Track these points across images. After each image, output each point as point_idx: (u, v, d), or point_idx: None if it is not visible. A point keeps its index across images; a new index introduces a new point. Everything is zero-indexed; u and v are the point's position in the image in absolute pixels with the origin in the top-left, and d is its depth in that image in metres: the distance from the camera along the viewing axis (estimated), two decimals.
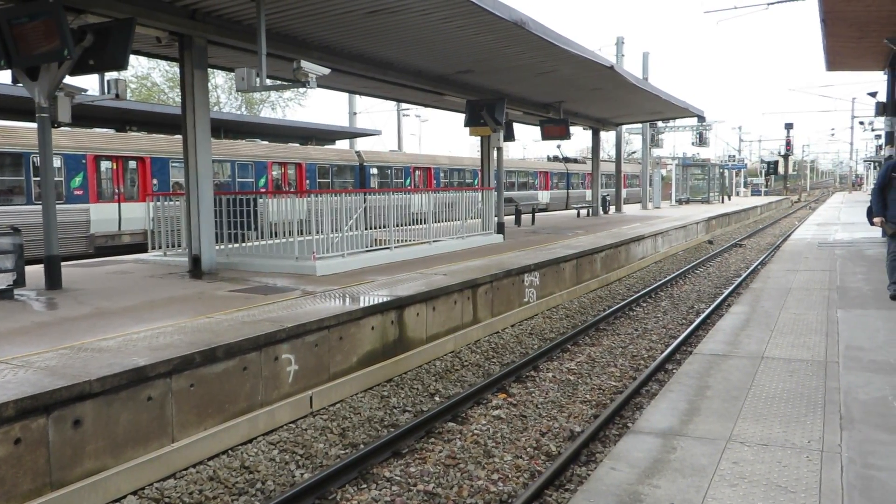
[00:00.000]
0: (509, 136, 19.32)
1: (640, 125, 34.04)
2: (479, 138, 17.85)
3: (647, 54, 31.04)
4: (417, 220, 13.76)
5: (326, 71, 9.96)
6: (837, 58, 16.23)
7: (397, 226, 12.76)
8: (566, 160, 42.42)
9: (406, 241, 13.16)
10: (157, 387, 5.41)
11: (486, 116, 16.05)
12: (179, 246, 12.13)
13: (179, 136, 10.44)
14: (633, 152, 58.38)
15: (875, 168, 28.04)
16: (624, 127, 33.56)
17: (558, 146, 38.35)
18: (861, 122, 49.38)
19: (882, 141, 23.55)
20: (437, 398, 7.57)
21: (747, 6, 19.57)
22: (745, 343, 6.42)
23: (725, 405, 4.65)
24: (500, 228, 16.49)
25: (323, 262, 10.57)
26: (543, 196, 38.42)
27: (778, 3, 20.04)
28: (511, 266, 11.38)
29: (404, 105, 37.25)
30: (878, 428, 4.14)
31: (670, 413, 4.55)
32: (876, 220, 8.01)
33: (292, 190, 22.51)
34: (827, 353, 5.90)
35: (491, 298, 10.54)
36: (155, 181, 18.87)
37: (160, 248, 12.41)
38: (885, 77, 16.99)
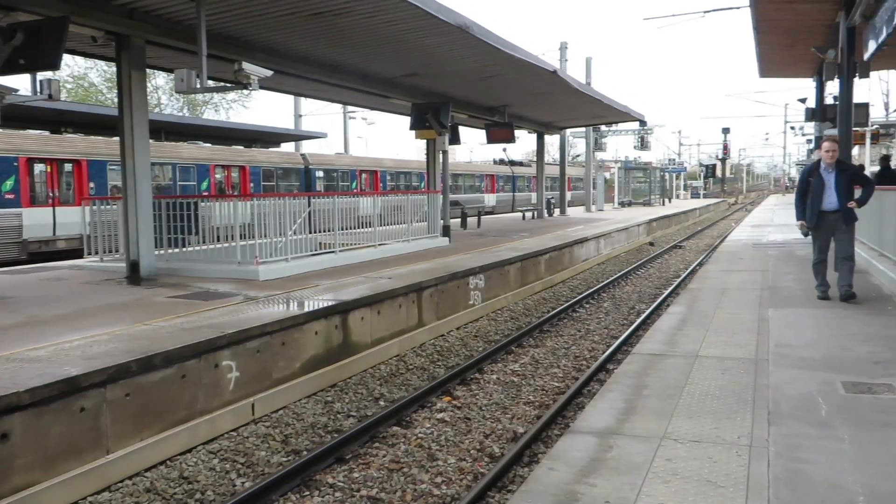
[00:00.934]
0: (455, 140, 19.40)
1: (583, 129, 34.61)
2: (425, 141, 17.89)
3: (589, 59, 31.62)
4: (364, 223, 13.71)
5: (269, 73, 9.85)
6: (770, 65, 16.82)
7: (343, 229, 12.69)
8: (512, 163, 42.83)
9: (352, 244, 13.09)
10: (90, 397, 5.26)
11: (432, 120, 16.10)
12: (117, 251, 11.82)
13: (118, 138, 10.17)
14: (578, 156, 59.34)
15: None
16: (568, 131, 34.05)
17: (504, 149, 38.70)
18: (792, 127, 51.23)
19: (812, 145, 24.48)
20: (381, 402, 7.56)
21: (684, 14, 20.16)
22: (682, 342, 6.60)
23: (661, 403, 4.78)
24: (446, 231, 16.56)
25: (266, 267, 10.44)
26: (489, 199, 38.71)
27: (713, 11, 20.71)
28: (456, 269, 11.44)
29: (351, 108, 37.04)
30: (803, 422, 4.32)
31: (608, 412, 4.66)
32: (797, 223, 8.35)
33: (236, 193, 22.15)
34: (758, 351, 6.11)
35: (436, 301, 10.58)
36: (92, 184, 18.31)
37: (97, 253, 12.06)
38: (814, 84, 17.69)
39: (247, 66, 9.38)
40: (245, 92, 36.12)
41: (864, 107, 15.17)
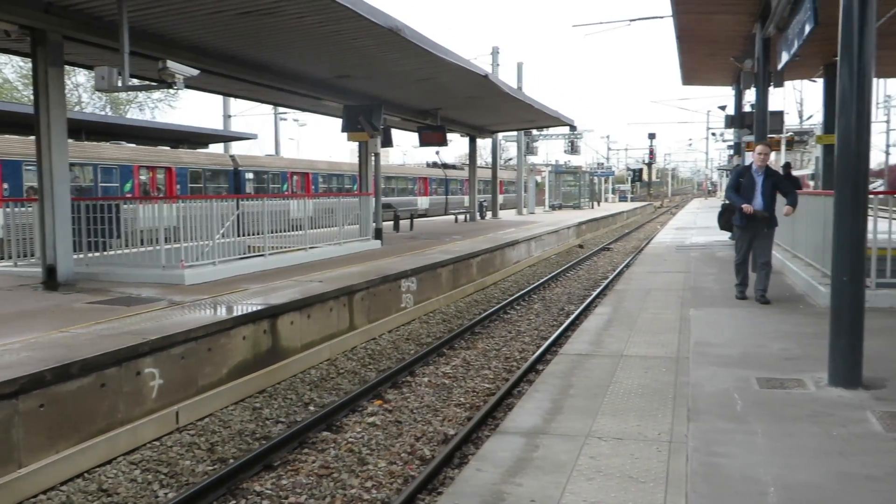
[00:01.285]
0: (387, 142, 19.38)
1: (515, 133, 35.08)
2: (357, 143, 17.78)
3: (521, 64, 32.08)
4: (295, 226, 13.53)
5: (195, 72, 9.62)
6: (692, 73, 17.44)
7: (273, 232, 12.49)
8: (445, 166, 43.02)
9: (282, 248, 12.90)
10: (0, 409, 5.01)
11: (364, 122, 16.02)
12: (33, 256, 11.31)
13: (34, 138, 9.74)
14: (510, 159, 60.07)
15: (727, 175, 30.32)
16: (500, 134, 34.41)
17: (437, 152, 38.87)
18: (713, 133, 53.09)
19: (732, 151, 25.46)
20: (311, 407, 7.47)
21: (611, 22, 20.66)
22: (608, 342, 6.77)
23: (587, 403, 4.89)
24: (378, 234, 16.50)
25: (192, 271, 10.18)
26: (422, 202, 38.77)
27: (639, 20, 21.30)
28: (388, 272, 11.42)
29: (282, 109, 36.49)
30: (720, 417, 4.49)
31: (536, 412, 4.73)
32: (745, 206, 8.12)
33: (161, 195, 21.50)
34: (679, 350, 6.32)
35: (368, 305, 10.52)
36: (6, 186, 17.46)
37: (10, 258, 11.51)
38: (734, 92, 18.42)
39: (171, 64, 9.14)
40: (171, 91, 35.13)
41: (779, 115, 15.90)
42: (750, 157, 11.94)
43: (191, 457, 6.00)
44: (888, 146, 48.55)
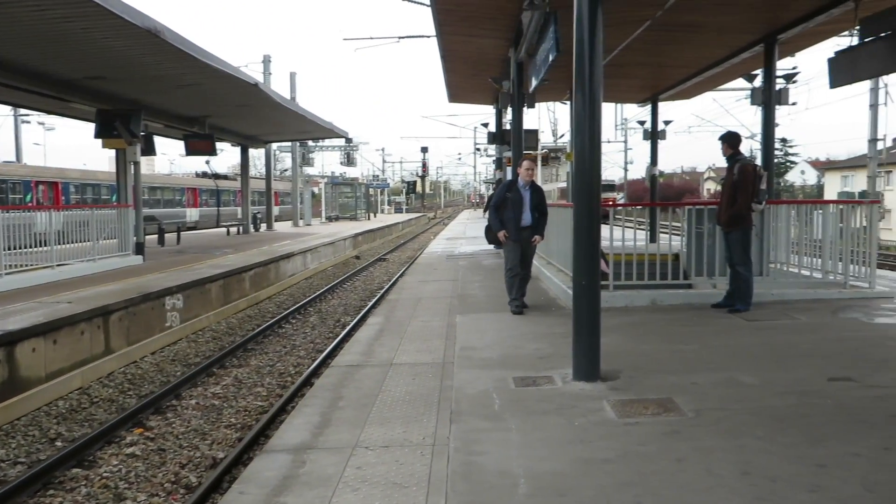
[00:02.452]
0: (149, 150, 18.14)
1: (290, 143, 34.57)
2: (115, 151, 16.40)
3: (294, 74, 31.71)
4: (41, 241, 12.14)
5: None
6: (457, 91, 18.39)
7: (10, 249, 11.10)
8: (216, 176, 41.14)
9: (23, 265, 11.50)
10: None
11: (121, 128, 14.84)
12: None
13: None
14: (285, 170, 59.02)
15: (493, 188, 32.50)
16: (274, 145, 33.73)
17: (207, 162, 36.99)
18: (479, 149, 56.28)
19: (495, 166, 27.25)
20: (59, 443, 6.75)
21: (381, 38, 21.21)
22: (379, 352, 6.90)
23: (356, 413, 4.94)
24: (140, 249, 15.34)
25: None
26: (192, 214, 36.73)
27: (407, 37, 22.12)
28: (150, 289, 10.67)
29: (24, 110, 32.59)
30: (480, 417, 4.77)
31: (304, 428, 4.69)
32: (500, 233, 8.49)
33: None
34: (445, 355, 6.62)
35: (127, 326, 9.75)
36: None
37: None
38: (494, 111, 19.75)
39: None
40: None
41: (534, 133, 17.29)
42: (512, 172, 12.87)
43: None
44: (626, 163, 54.96)
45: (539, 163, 27.81)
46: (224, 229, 28.54)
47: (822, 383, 5.30)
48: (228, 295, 13.61)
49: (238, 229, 27.34)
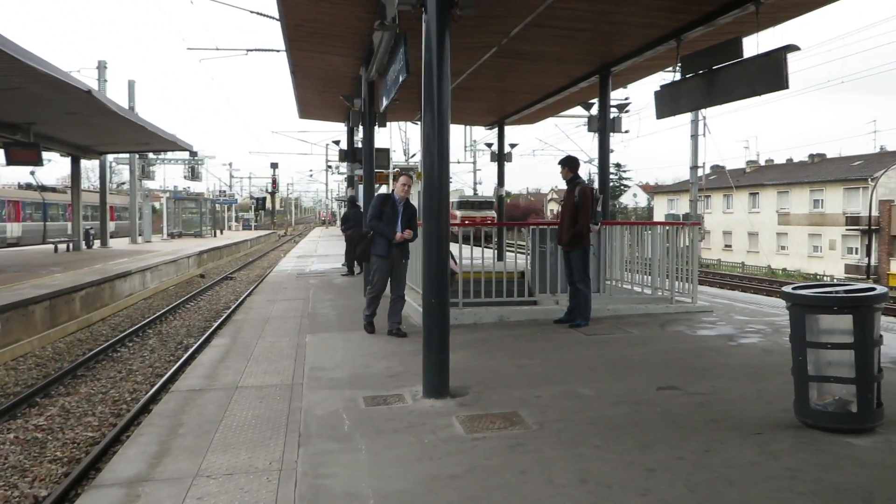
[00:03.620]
0: None
1: (128, 155, 32.54)
2: None
3: (132, 83, 29.93)
4: None
5: None
6: (307, 107, 18.13)
7: None
8: (43, 189, 37.91)
9: None
10: None
11: None
12: None
13: None
14: (123, 183, 55.47)
15: (345, 206, 31.97)
16: (111, 156, 31.65)
17: (32, 172, 33.96)
18: (330, 166, 55.71)
19: (347, 184, 27.11)
20: None
21: (228, 49, 20.57)
22: (223, 375, 6.61)
23: (197, 441, 4.69)
24: None
25: None
26: (13, 229, 33.56)
27: (255, 50, 21.59)
28: None
29: None
30: (329, 439, 4.69)
31: (139, 458, 4.39)
32: (398, 234, 8.13)
33: None
34: (294, 376, 6.46)
35: None
36: None
37: None
38: (346, 128, 19.67)
39: None
40: None
41: (385, 151, 17.42)
42: (364, 190, 12.85)
43: None
44: (475, 184, 56.58)
45: (390, 180, 27.97)
46: (51, 246, 26.29)
47: (651, 392, 5.71)
48: (56, 318, 12.53)
49: (68, 246, 25.30)
